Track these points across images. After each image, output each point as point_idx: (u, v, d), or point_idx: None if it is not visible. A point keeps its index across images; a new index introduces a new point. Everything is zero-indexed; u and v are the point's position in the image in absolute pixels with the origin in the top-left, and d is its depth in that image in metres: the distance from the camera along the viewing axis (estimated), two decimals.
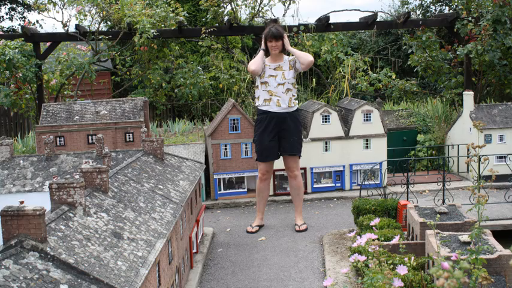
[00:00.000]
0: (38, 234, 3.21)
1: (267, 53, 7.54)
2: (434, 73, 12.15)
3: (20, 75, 10.52)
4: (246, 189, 9.04)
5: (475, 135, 9.11)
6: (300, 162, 7.62)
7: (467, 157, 4.49)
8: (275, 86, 7.36)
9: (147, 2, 11.91)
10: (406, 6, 18.50)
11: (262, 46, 7.55)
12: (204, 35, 11.21)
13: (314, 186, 9.14)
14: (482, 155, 4.81)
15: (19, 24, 23.00)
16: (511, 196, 7.91)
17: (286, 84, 7.36)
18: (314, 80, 12.82)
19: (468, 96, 9.57)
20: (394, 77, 12.35)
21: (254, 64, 7.35)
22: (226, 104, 9.49)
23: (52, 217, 3.57)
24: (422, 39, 11.80)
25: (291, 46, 7.68)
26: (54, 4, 11.56)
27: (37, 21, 12.66)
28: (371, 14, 11.80)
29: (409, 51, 12.36)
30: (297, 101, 7.49)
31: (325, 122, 9.06)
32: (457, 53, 11.16)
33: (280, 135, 7.36)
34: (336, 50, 11.66)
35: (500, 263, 4.42)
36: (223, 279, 5.98)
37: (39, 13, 12.06)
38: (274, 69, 7.41)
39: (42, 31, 13.16)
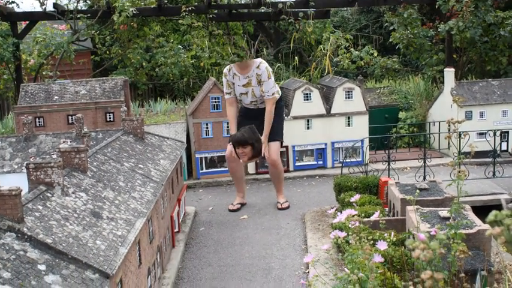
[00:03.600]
0: (15, 214, 3.16)
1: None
2: (415, 50, 12.15)
3: None
4: (228, 168, 8.98)
5: (456, 112, 9.15)
6: (279, 147, 7.57)
7: (448, 133, 4.50)
8: (248, 103, 7.53)
9: None
10: None
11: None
12: (184, 13, 11.09)
13: (296, 164, 9.14)
14: (463, 131, 4.83)
15: None
16: (490, 172, 7.98)
17: (259, 100, 7.45)
18: (296, 58, 12.78)
19: (449, 73, 9.59)
20: (375, 54, 12.35)
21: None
22: (207, 82, 9.40)
23: (29, 197, 3.52)
24: (403, 16, 11.78)
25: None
26: None
27: (13, 1, 12.33)
28: None
29: (391, 28, 12.35)
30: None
31: (307, 99, 9.03)
32: (439, 30, 11.16)
33: (261, 119, 7.32)
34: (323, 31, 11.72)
35: (479, 238, 4.46)
36: (206, 258, 5.98)
37: None
38: (244, 85, 7.38)
39: (19, 10, 12.92)
